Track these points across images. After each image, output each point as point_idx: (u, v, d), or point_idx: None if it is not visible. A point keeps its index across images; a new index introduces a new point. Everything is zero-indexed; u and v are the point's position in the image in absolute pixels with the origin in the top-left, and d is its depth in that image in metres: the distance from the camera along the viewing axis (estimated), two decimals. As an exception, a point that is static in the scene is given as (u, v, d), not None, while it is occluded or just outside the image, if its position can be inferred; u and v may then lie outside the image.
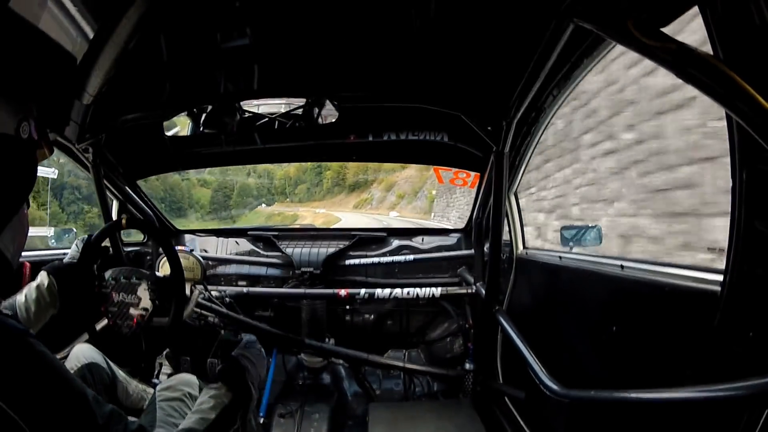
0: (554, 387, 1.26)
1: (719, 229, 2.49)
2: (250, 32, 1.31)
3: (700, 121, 2.70)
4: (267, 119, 1.92)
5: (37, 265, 1.55)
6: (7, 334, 0.60)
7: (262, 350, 1.04)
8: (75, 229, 2.27)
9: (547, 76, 1.27)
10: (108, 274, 1.30)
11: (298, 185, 37.82)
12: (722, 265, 0.81)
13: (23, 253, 0.84)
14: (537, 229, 5.08)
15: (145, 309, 1.27)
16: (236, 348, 1.04)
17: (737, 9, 0.66)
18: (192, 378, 1.49)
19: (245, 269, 2.54)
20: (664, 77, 2.90)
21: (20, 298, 1.11)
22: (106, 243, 1.57)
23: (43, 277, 1.13)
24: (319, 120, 1.91)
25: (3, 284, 0.75)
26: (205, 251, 2.59)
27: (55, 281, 1.14)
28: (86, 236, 1.30)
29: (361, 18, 1.26)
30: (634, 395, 0.94)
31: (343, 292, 2.27)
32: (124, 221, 1.35)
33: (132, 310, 1.27)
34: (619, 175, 3.76)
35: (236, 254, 2.59)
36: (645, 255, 3.28)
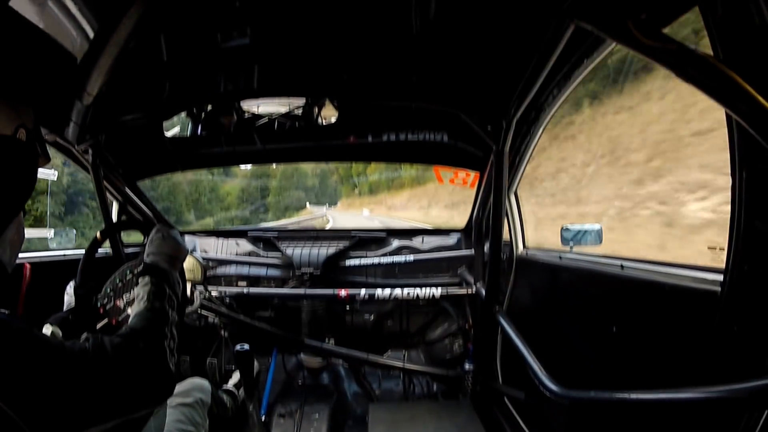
0: (554, 387, 1.26)
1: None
2: (251, 32, 1.31)
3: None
4: (267, 119, 1.92)
5: (37, 267, 1.55)
6: (5, 331, 0.60)
7: (161, 235, 1.07)
8: (75, 230, 2.27)
9: (547, 75, 1.27)
10: (104, 290, 1.29)
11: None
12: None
13: (24, 255, 0.84)
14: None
15: None
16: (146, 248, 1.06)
17: (737, 9, 0.66)
18: (205, 383, 1.49)
19: (245, 270, 2.54)
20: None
21: None
22: (106, 247, 1.56)
23: (46, 329, 1.15)
24: (319, 120, 1.91)
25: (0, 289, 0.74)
26: (205, 252, 2.59)
27: (59, 329, 1.15)
28: (73, 281, 1.30)
29: (361, 18, 1.26)
30: (633, 396, 0.94)
31: (343, 292, 2.27)
32: (98, 235, 1.35)
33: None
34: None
35: (236, 255, 2.59)
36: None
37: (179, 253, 1.08)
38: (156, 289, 0.92)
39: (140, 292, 0.92)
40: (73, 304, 1.26)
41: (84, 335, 0.72)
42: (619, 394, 0.99)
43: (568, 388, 1.23)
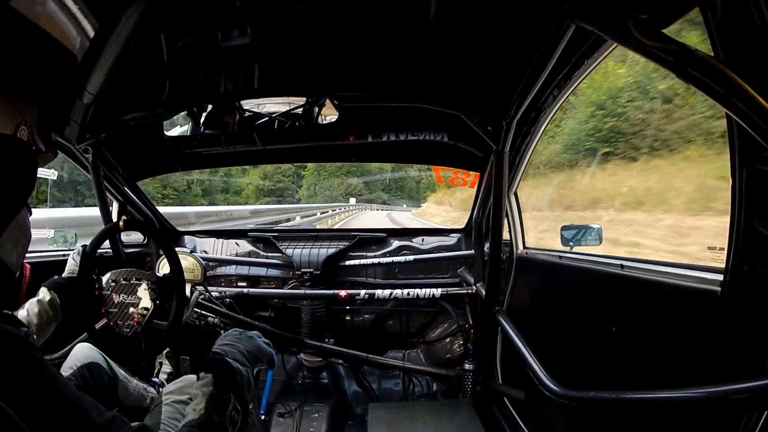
0: (554, 387, 1.26)
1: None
2: (251, 31, 1.31)
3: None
4: (267, 119, 1.92)
5: (37, 267, 1.55)
6: (8, 341, 0.60)
7: (239, 332, 1.04)
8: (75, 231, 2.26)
9: (547, 76, 1.28)
10: (107, 276, 1.30)
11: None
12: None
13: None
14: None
15: (146, 309, 1.26)
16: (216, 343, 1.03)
17: (737, 9, 0.66)
18: None
19: (245, 270, 2.54)
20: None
21: (22, 312, 1.11)
22: (106, 245, 1.56)
23: (44, 293, 1.14)
24: (319, 120, 1.91)
25: (4, 292, 0.74)
26: (205, 252, 2.59)
27: (57, 296, 1.14)
28: (82, 247, 1.29)
29: (362, 18, 1.26)
30: (633, 396, 0.94)
31: (343, 292, 2.27)
32: (121, 224, 1.34)
33: (132, 310, 1.27)
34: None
35: (236, 255, 2.59)
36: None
37: (262, 353, 0.97)
38: (218, 393, 0.79)
39: (198, 392, 0.80)
40: (75, 272, 1.25)
41: (128, 423, 0.66)
42: (619, 394, 0.99)
43: (568, 388, 1.23)
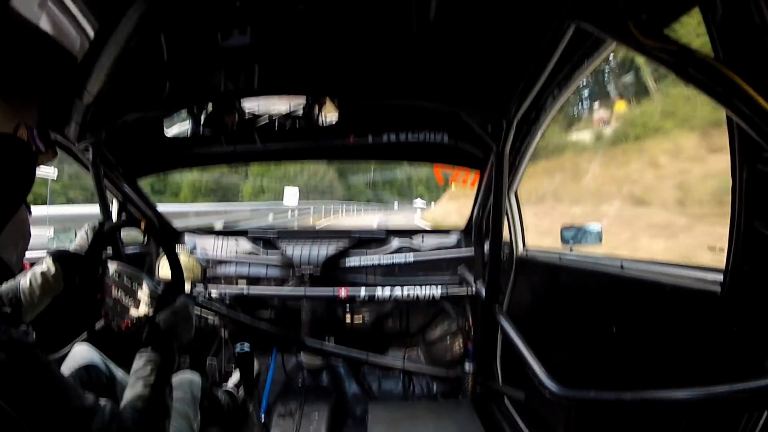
0: (554, 388, 1.26)
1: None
2: (251, 31, 1.31)
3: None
4: (267, 118, 1.92)
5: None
6: (14, 346, 0.61)
7: (191, 312, 1.07)
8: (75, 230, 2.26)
9: (547, 76, 1.28)
10: (114, 267, 1.27)
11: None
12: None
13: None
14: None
15: (139, 318, 1.24)
16: (165, 311, 1.05)
17: (737, 9, 0.66)
18: (195, 377, 1.48)
19: (245, 269, 2.54)
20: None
21: (24, 282, 1.10)
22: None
23: (49, 264, 1.12)
24: (319, 119, 1.91)
25: None
26: (205, 251, 2.59)
27: (60, 268, 1.14)
28: (97, 224, 1.27)
29: (362, 17, 1.26)
30: (633, 396, 0.94)
31: (343, 292, 2.27)
32: (143, 225, 1.32)
33: (127, 312, 1.25)
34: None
35: (236, 254, 2.59)
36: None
37: (189, 333, 1.05)
38: (161, 371, 0.87)
39: (145, 366, 0.87)
40: (84, 248, 1.23)
41: (102, 400, 0.70)
42: (619, 394, 0.99)
43: (568, 388, 1.23)
